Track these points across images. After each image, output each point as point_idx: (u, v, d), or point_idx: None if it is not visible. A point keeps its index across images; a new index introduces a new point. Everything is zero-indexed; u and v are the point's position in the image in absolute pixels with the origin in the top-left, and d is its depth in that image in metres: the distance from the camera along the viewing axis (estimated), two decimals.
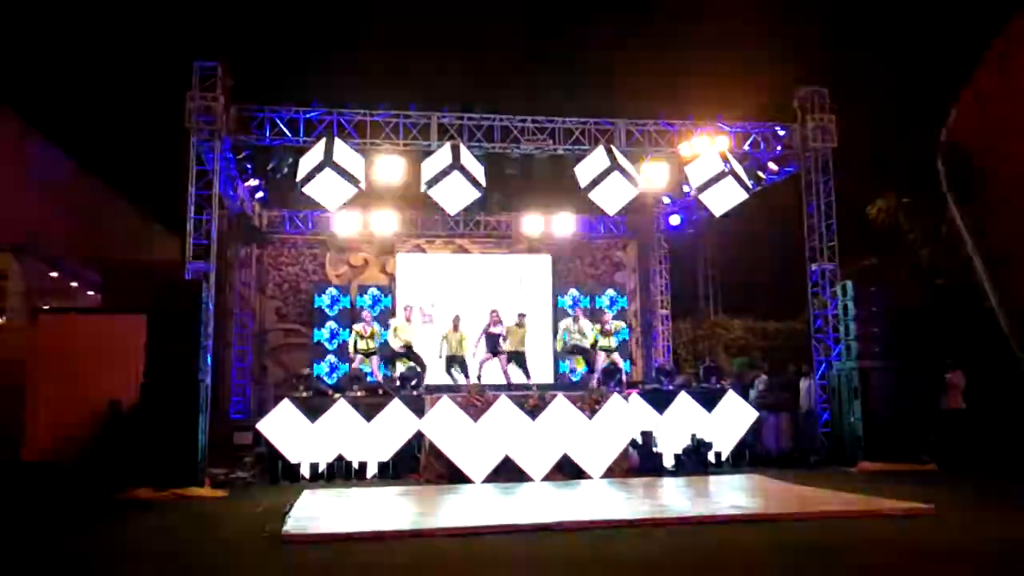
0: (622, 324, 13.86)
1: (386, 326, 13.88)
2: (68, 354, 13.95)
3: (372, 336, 12.92)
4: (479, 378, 12.32)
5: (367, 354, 12.90)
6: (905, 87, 19.34)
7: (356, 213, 16.19)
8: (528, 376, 13.03)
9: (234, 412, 15.87)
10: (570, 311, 14.78)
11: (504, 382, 12.66)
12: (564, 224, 17.22)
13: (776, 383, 14.14)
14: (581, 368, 14.83)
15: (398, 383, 12.45)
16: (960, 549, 6.30)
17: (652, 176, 13.74)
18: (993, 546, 6.39)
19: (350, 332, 13.93)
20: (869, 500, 8.43)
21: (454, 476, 10.68)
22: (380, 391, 12.24)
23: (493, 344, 12.78)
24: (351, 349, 13.15)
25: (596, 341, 13.20)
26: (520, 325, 13.17)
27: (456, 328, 12.93)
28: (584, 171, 12.57)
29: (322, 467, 11.20)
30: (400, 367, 12.87)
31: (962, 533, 6.92)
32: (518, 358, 13.01)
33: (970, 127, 0.69)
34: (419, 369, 12.57)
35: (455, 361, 12.73)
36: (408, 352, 12.73)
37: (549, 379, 15.90)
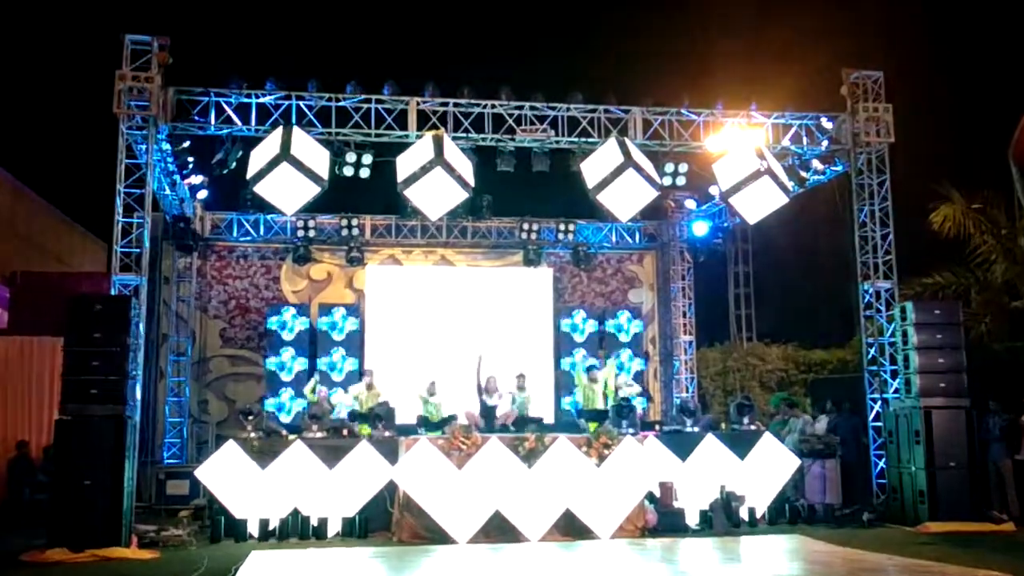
0: (635, 389, 14.37)
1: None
2: None
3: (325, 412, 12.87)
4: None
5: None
6: (975, 72, 19.51)
7: (318, 216, 16.22)
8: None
9: (167, 456, 15.80)
10: (584, 370, 14.55)
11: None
12: (567, 232, 17.24)
13: (822, 425, 14.11)
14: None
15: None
16: None
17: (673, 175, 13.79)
18: None
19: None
20: (934, 568, 8.40)
21: (433, 535, 10.63)
22: (345, 431, 12.19)
23: (489, 417, 12.60)
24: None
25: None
26: (521, 388, 13.06)
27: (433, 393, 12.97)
28: (592, 169, 12.60)
29: (274, 523, 11.12)
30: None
31: None
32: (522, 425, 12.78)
33: None
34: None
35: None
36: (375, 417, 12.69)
37: (549, 418, 15.84)
